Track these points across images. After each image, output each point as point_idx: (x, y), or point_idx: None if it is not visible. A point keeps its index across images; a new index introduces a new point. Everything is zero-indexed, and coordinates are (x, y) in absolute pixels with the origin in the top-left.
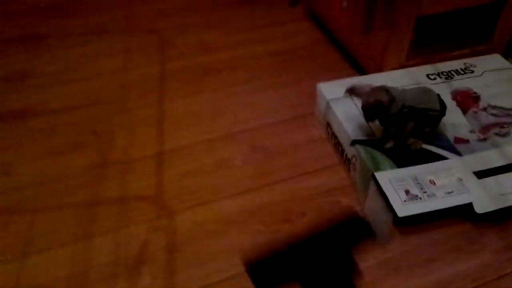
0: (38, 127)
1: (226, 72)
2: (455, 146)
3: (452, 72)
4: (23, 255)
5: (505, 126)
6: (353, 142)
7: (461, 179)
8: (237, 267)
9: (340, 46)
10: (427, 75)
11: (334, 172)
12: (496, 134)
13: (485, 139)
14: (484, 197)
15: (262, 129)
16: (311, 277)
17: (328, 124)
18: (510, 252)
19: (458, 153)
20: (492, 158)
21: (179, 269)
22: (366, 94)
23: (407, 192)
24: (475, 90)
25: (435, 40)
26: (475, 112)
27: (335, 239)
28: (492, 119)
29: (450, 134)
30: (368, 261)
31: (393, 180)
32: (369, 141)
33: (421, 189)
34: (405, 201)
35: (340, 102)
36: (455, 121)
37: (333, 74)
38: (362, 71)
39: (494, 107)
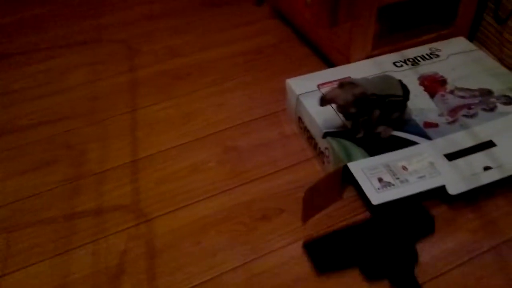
0: (8, 147)
1: (195, 75)
2: (424, 131)
3: (418, 58)
4: (1, 274)
5: (472, 107)
6: (325, 135)
7: (433, 163)
8: (217, 268)
9: (308, 41)
10: (394, 63)
11: (308, 166)
12: (464, 115)
13: (454, 122)
14: (456, 179)
15: (234, 129)
16: (372, 263)
17: (300, 119)
18: (485, 230)
19: (428, 137)
20: (461, 139)
21: (159, 275)
22: (340, 94)
23: (380, 180)
24: (441, 74)
25: (400, 28)
26: (443, 96)
27: (399, 228)
28: (459, 101)
29: (419, 119)
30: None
31: (365, 169)
32: (340, 133)
33: (394, 175)
34: (378, 188)
35: (309, 96)
36: (423, 106)
37: (302, 70)
38: (331, 64)
39: (461, 89)
